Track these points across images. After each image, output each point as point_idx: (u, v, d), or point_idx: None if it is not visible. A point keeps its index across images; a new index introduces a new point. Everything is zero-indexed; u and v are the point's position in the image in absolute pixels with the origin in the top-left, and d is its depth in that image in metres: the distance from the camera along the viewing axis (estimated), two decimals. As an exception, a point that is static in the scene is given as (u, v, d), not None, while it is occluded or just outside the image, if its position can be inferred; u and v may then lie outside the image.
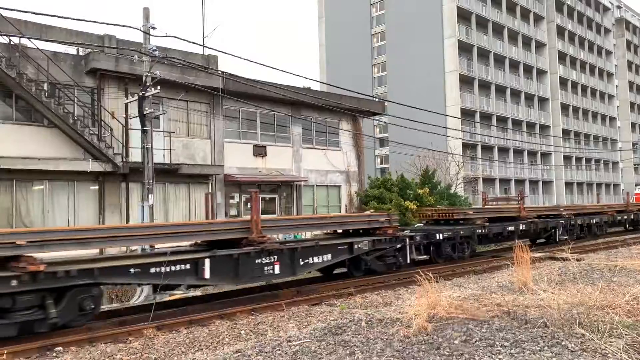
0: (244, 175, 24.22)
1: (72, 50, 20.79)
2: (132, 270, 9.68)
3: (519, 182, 56.90)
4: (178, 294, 14.37)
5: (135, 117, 18.12)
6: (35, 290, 8.53)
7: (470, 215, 18.80)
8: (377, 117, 38.67)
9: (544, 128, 62.06)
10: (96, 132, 19.37)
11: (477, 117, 52.38)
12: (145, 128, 17.27)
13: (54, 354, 8.07)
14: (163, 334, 8.98)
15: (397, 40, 56.71)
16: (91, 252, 11.24)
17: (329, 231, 14.44)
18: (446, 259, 16.91)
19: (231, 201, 24.27)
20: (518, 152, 57.21)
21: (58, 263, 9.11)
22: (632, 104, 79.36)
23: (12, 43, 18.01)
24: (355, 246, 13.53)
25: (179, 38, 13.04)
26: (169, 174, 21.13)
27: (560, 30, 66.44)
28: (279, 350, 6.70)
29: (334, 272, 14.79)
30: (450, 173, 38.92)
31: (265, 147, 25.57)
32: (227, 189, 23.86)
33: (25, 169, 17.92)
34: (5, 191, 18.23)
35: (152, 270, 9.84)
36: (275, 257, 11.76)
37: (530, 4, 62.37)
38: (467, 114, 51.61)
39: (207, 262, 10.52)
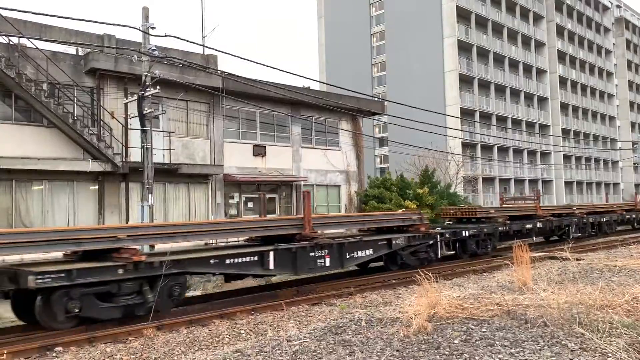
0: (243, 175, 24.22)
1: (71, 50, 20.77)
2: (212, 261, 11.03)
3: (519, 181, 56.92)
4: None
5: (135, 116, 18.10)
6: (136, 278, 9.78)
7: (492, 214, 20.07)
8: (376, 117, 38.66)
9: (543, 127, 62.07)
10: (96, 132, 19.35)
11: (477, 117, 52.38)
12: (144, 128, 17.26)
13: (54, 354, 8.07)
14: (163, 334, 8.98)
15: (397, 39, 56.71)
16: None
17: (364, 228, 15.52)
18: (471, 255, 17.86)
19: (231, 201, 24.26)
20: (518, 152, 57.21)
21: (153, 254, 10.63)
22: (631, 103, 79.37)
23: (11, 43, 17.99)
24: (393, 242, 14.70)
25: (178, 38, 13.03)
26: (168, 173, 21.12)
27: (560, 30, 66.43)
28: (279, 349, 6.70)
29: (369, 266, 15.88)
30: (450, 172, 38.92)
31: (265, 146, 25.56)
32: (227, 189, 23.86)
33: (25, 169, 17.91)
34: (4, 191, 18.22)
35: (227, 261, 11.25)
36: (326, 251, 13.00)
37: (529, 4, 62.37)
38: (466, 114, 51.60)
39: (271, 254, 11.84)
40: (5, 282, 9.03)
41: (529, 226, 20.89)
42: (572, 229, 23.49)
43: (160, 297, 9.99)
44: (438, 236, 16.18)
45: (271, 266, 11.82)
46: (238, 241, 13.43)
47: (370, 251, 14.17)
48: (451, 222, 20.42)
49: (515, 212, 21.71)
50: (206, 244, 14.32)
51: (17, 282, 8.87)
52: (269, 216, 18.00)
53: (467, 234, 17.72)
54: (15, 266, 9.38)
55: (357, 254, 13.78)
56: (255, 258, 11.64)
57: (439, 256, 16.36)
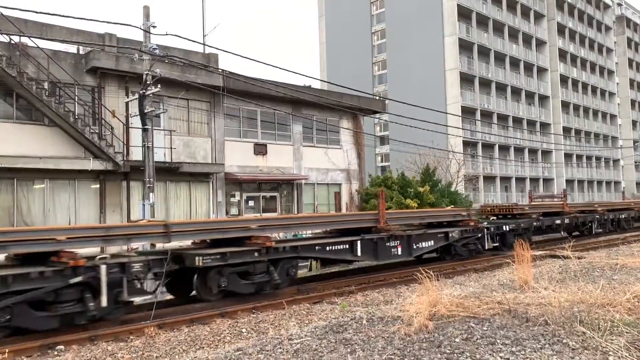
0: (244, 173, 24.23)
1: (72, 48, 20.77)
2: (316, 247, 13.07)
3: (520, 180, 56.90)
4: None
5: (136, 115, 18.13)
6: (265, 260, 11.71)
7: (527, 211, 21.73)
8: (377, 115, 38.64)
9: (544, 126, 62.02)
10: (97, 131, 19.36)
11: (478, 115, 52.34)
12: (145, 127, 17.29)
13: (56, 353, 8.08)
14: (164, 333, 8.99)
15: (398, 38, 56.66)
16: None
17: (423, 222, 16.89)
18: (509, 247, 18.55)
19: (232, 199, 24.27)
20: (519, 150, 57.18)
21: (278, 241, 12.70)
22: (632, 102, 79.29)
23: (12, 42, 18.00)
24: (450, 235, 16.54)
25: (179, 36, 13.04)
26: (169, 172, 21.14)
27: (561, 28, 66.35)
28: (280, 348, 6.70)
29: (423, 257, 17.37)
30: (451, 171, 38.88)
31: (266, 145, 25.56)
32: (228, 188, 23.87)
33: (26, 168, 17.92)
34: (6, 190, 18.25)
35: (327, 248, 13.25)
36: (398, 241, 14.84)
37: (530, 2, 62.30)
38: (467, 112, 51.57)
39: (359, 243, 13.82)
40: (171, 263, 10.57)
41: (558, 222, 22.54)
42: (594, 225, 25.09)
43: (281, 275, 11.96)
44: (485, 230, 17.98)
45: (359, 253, 13.79)
46: (313, 233, 15.37)
47: (432, 242, 16.03)
48: (489, 218, 21.75)
49: (546, 209, 23.54)
50: (294, 235, 16.07)
51: (184, 262, 10.72)
52: (329, 212, 20.09)
53: (507, 229, 19.51)
54: (180, 250, 11.35)
55: (421, 244, 15.67)
56: (347, 246, 13.61)
57: (485, 247, 18.07)
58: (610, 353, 5.75)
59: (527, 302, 8.26)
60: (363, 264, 16.74)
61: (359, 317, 8.24)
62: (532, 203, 27.04)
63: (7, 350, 7.78)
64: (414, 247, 15.33)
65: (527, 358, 5.75)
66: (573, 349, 5.95)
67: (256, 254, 11.54)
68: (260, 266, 11.63)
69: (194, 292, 11.57)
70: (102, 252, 10.59)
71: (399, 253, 14.87)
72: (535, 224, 20.89)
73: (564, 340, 6.23)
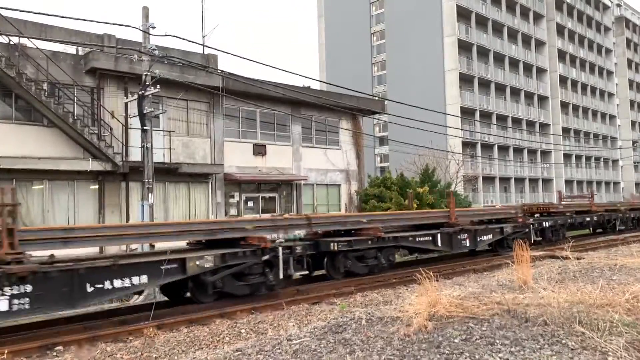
0: (243, 174, 24.22)
1: (71, 49, 20.78)
2: (409, 238, 15.60)
3: (519, 180, 56.92)
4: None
5: (135, 116, 18.12)
6: (374, 248, 14.30)
7: (561, 209, 24.34)
8: (376, 116, 38.64)
9: (543, 126, 62.06)
10: (96, 132, 19.36)
11: (477, 116, 52.38)
12: (145, 127, 17.27)
13: (55, 353, 8.07)
14: (163, 333, 8.98)
15: (397, 38, 56.69)
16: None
17: (483, 219, 19.10)
18: (548, 241, 21.60)
19: (231, 200, 24.27)
20: (518, 151, 57.21)
21: (386, 232, 15.00)
22: (632, 102, 79.37)
23: (11, 42, 18.00)
24: (505, 229, 18.92)
25: (178, 37, 13.04)
26: (168, 173, 21.13)
27: (560, 29, 66.40)
28: (279, 349, 6.70)
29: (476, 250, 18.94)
30: (450, 171, 38.91)
31: (265, 146, 25.56)
32: (227, 188, 23.86)
33: (25, 169, 17.91)
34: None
35: (417, 239, 15.79)
36: (466, 234, 17.17)
37: (529, 3, 62.35)
38: (466, 113, 51.60)
39: (439, 235, 16.29)
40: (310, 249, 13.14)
41: (587, 219, 25.11)
42: (618, 223, 27.24)
43: (385, 260, 14.57)
44: (531, 226, 20.38)
45: (439, 244, 16.32)
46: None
47: (490, 236, 18.38)
48: (533, 216, 23.80)
49: (577, 208, 25.86)
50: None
51: (319, 248, 13.50)
52: (441, 209, 21.33)
53: (546, 225, 22.08)
54: (317, 238, 13.86)
55: (484, 237, 18.07)
56: (430, 238, 16.12)
57: (532, 241, 20.06)
58: (610, 353, 5.75)
59: (526, 303, 8.25)
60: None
61: (358, 318, 8.23)
62: (563, 202, 29.43)
63: (6, 351, 7.78)
64: (478, 239, 17.73)
65: (526, 358, 5.75)
66: (572, 349, 5.95)
67: (370, 242, 14.19)
68: (371, 252, 14.35)
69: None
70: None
71: (467, 244, 17.34)
72: (569, 221, 23.33)
73: (563, 341, 6.23)
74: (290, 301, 11.19)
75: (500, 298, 8.64)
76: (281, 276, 11.96)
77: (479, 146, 51.92)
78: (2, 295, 8.22)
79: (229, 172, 23.63)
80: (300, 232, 13.58)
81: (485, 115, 53.91)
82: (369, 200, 27.37)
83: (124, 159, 19.70)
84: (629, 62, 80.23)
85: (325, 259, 13.78)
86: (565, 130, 64.29)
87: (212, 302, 11.16)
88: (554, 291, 8.86)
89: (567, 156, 64.27)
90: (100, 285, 9.17)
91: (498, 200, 52.06)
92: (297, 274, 13.42)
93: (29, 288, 8.43)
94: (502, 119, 55.62)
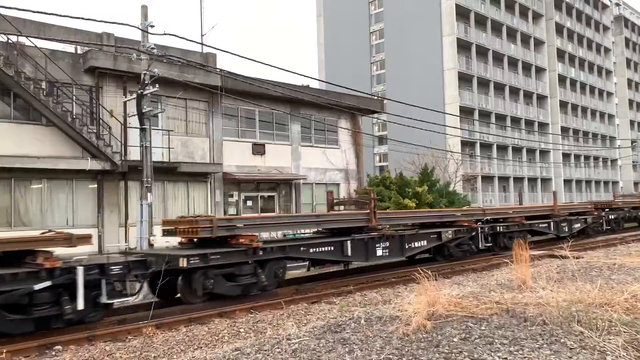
0: (242, 173, 24.21)
1: (70, 48, 20.75)
2: (538, 225, 20.03)
3: (518, 179, 56.95)
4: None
5: (134, 115, 18.08)
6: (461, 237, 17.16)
7: (620, 205, 28.18)
8: (375, 115, 38.62)
9: (542, 125, 62.08)
10: (95, 131, 19.34)
11: (476, 115, 52.39)
12: (143, 126, 17.22)
13: (53, 353, 8.06)
14: (162, 333, 8.97)
15: (396, 38, 56.68)
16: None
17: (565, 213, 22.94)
18: (612, 231, 25.43)
19: (230, 199, 24.26)
20: (517, 150, 57.23)
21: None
22: (630, 102, 79.42)
23: (10, 41, 17.97)
24: (587, 220, 23.67)
25: (177, 36, 13.01)
26: (167, 172, 21.12)
27: (559, 28, 66.41)
28: (278, 348, 6.70)
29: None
30: (449, 171, 38.92)
31: (264, 145, 25.55)
32: (226, 188, 23.85)
33: (24, 168, 17.90)
34: (3, 190, 18.22)
35: (540, 225, 20.57)
36: (566, 223, 22.00)
37: (528, 2, 62.35)
38: (465, 112, 51.61)
39: (552, 224, 20.99)
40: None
41: None
42: None
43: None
44: (603, 218, 24.84)
45: (552, 230, 21.22)
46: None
47: (579, 225, 23.10)
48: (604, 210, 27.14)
49: (630, 205, 29.25)
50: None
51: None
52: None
53: (612, 217, 26.06)
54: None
55: (575, 225, 22.70)
56: (546, 225, 20.84)
57: (603, 229, 24.69)
58: (608, 352, 5.76)
59: (525, 302, 8.26)
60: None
61: (357, 317, 8.23)
62: (616, 200, 33.11)
63: (4, 351, 7.77)
64: (573, 226, 22.48)
65: (525, 358, 5.76)
66: (571, 349, 5.96)
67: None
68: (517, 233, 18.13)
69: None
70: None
71: (566, 230, 21.84)
72: (627, 214, 27.53)
73: (562, 340, 6.24)
74: (289, 300, 11.19)
75: (499, 297, 8.66)
76: (481, 246, 17.31)
77: (477, 145, 51.94)
78: (379, 246, 14.35)
79: (228, 171, 23.62)
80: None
81: (484, 115, 53.93)
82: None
83: (123, 158, 19.69)
84: (628, 61, 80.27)
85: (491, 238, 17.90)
86: (564, 130, 64.33)
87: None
88: (552, 290, 8.87)
89: (565, 155, 64.30)
90: (411, 245, 15.33)
91: (497, 200, 52.09)
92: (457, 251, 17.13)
93: (387, 244, 14.52)
94: (501, 118, 55.64)
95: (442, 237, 16.22)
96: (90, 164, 18.88)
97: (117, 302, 9.92)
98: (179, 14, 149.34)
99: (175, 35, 12.95)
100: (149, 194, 17.19)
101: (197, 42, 14.83)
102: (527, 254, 11.01)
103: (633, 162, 77.17)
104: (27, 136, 18.46)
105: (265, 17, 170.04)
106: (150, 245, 16.49)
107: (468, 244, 17.21)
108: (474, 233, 17.26)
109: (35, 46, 18.39)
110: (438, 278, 11.03)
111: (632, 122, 78.81)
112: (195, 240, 11.74)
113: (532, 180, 59.52)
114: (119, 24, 11.77)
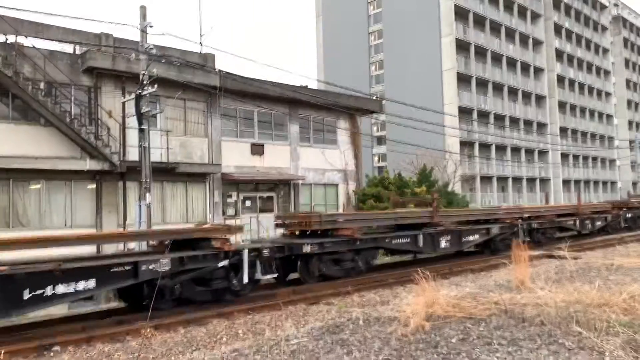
0: (241, 174, 24.20)
1: (68, 48, 20.72)
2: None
3: (517, 180, 56.99)
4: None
5: (133, 115, 18.06)
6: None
7: (637, 205, 29.42)
8: (374, 116, 38.65)
9: (541, 126, 62.13)
10: (93, 131, 19.32)
11: (475, 115, 52.42)
12: (142, 127, 17.22)
13: (52, 354, 8.05)
14: (161, 334, 8.96)
15: (395, 38, 56.71)
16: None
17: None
18: (629, 228, 26.88)
19: (229, 200, 24.24)
20: (515, 150, 57.26)
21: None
22: (629, 102, 79.53)
23: (8, 41, 17.95)
24: (607, 218, 25.59)
25: (176, 36, 13.05)
26: (166, 172, 21.10)
27: (558, 28, 66.47)
28: (277, 349, 6.69)
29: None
30: (448, 171, 38.94)
31: (263, 145, 25.54)
32: (225, 188, 23.83)
33: (22, 168, 17.88)
34: (2, 190, 18.19)
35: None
36: (589, 221, 24.21)
37: (527, 2, 62.39)
38: (464, 112, 51.64)
39: (577, 221, 23.31)
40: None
41: None
42: None
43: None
44: (622, 215, 26.75)
45: (577, 226, 23.46)
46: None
47: (600, 222, 25.21)
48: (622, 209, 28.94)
49: None
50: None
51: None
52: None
53: (629, 215, 27.54)
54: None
55: (597, 223, 24.89)
56: (572, 222, 22.62)
57: (622, 227, 26.22)
58: (606, 353, 5.76)
59: (523, 303, 8.26)
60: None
61: (355, 318, 8.23)
62: (631, 200, 34.41)
63: (3, 351, 7.76)
64: (595, 224, 24.65)
65: (523, 358, 5.76)
66: (569, 349, 5.96)
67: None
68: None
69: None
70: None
71: (589, 227, 24.07)
72: None
73: (560, 341, 6.24)
74: (288, 301, 11.18)
75: (498, 298, 8.65)
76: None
77: (476, 146, 51.96)
78: (443, 239, 16.38)
79: (227, 171, 23.61)
80: None
81: (483, 115, 53.96)
82: (367, 200, 27.38)
83: (122, 159, 19.67)
84: (626, 61, 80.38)
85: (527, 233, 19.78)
86: (563, 130, 64.39)
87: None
88: (551, 291, 8.88)
89: (564, 156, 64.35)
90: (467, 239, 17.64)
91: (495, 200, 52.12)
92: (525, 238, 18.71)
93: (448, 237, 16.71)
94: (499, 118, 55.68)
95: (491, 232, 18.42)
96: (89, 165, 18.86)
97: (265, 278, 12.32)
98: (178, 15, 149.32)
99: (174, 36, 12.96)
100: (147, 194, 17.18)
101: (196, 43, 14.84)
102: (525, 255, 11.01)
103: (631, 162, 77.24)
104: (26, 136, 18.43)
105: (264, 18, 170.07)
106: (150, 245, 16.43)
107: (510, 238, 18.70)
108: (515, 229, 19.36)
109: (34, 46, 18.37)
110: (436, 279, 11.02)
111: (630, 122, 78.92)
112: (296, 232, 13.89)
113: (531, 181, 59.56)
114: (117, 24, 11.79)
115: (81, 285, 8.86)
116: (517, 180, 57.03)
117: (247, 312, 10.40)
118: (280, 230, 14.59)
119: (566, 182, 64.35)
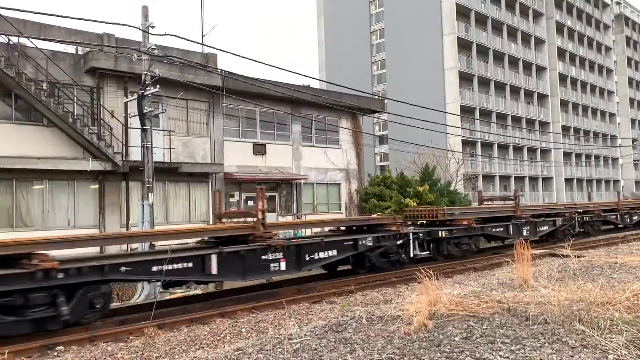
0: (243, 173, 24.22)
1: (71, 49, 20.77)
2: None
3: (519, 179, 56.90)
4: (178, 293, 14.40)
5: (135, 116, 18.09)
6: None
7: None
8: (376, 115, 38.62)
9: (543, 125, 62.01)
10: (96, 131, 19.35)
11: (477, 114, 52.34)
12: (144, 127, 17.23)
13: (55, 353, 8.07)
14: (164, 333, 8.98)
15: (396, 37, 56.64)
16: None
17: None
18: None
19: (231, 199, 24.26)
20: (518, 149, 57.17)
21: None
22: (631, 100, 79.30)
23: (11, 42, 17.99)
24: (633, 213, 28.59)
25: (178, 36, 13.03)
26: (169, 172, 21.13)
27: (560, 27, 66.34)
28: (280, 348, 6.70)
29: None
30: (450, 170, 38.90)
31: (265, 145, 25.55)
32: (227, 188, 23.85)
33: (25, 169, 17.91)
34: (5, 191, 18.24)
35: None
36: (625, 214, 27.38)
37: (529, 1, 62.27)
38: (466, 111, 51.56)
39: (618, 216, 26.48)
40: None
41: None
42: None
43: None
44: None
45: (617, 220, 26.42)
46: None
47: (636, 217, 27.95)
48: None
49: None
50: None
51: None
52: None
53: None
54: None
55: (634, 217, 27.87)
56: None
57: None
58: (610, 351, 5.76)
59: (526, 301, 8.26)
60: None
61: (358, 317, 8.24)
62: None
63: (7, 351, 7.78)
64: (634, 218, 27.41)
65: (526, 357, 5.76)
66: (572, 348, 5.96)
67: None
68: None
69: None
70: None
71: (617, 221, 26.21)
72: None
73: (564, 339, 6.24)
74: (291, 300, 11.20)
75: (501, 296, 8.65)
76: (576, 232, 21.90)
77: (478, 145, 51.89)
78: (524, 229, 19.68)
79: (229, 171, 23.63)
80: None
81: (485, 114, 53.88)
82: (369, 199, 27.37)
83: (124, 159, 19.70)
84: (629, 60, 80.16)
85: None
86: (565, 129, 64.26)
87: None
88: (554, 289, 8.87)
89: (566, 154, 64.22)
90: (540, 229, 21.04)
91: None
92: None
93: (527, 227, 19.97)
94: (501, 117, 55.59)
95: (556, 224, 21.92)
96: (92, 165, 18.89)
97: (422, 254, 15.98)
98: (180, 15, 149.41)
99: (175, 36, 12.97)
100: (150, 194, 17.20)
101: (198, 43, 14.84)
102: (528, 253, 11.00)
103: (634, 160, 77.06)
104: (29, 137, 18.47)
105: (266, 17, 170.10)
106: (152, 245, 16.46)
107: (568, 229, 22.47)
108: (573, 222, 22.85)
109: (36, 47, 18.41)
110: (439, 277, 11.03)
111: (633, 121, 78.71)
112: (418, 223, 17.39)
113: (533, 180, 59.46)
114: (119, 24, 11.79)
115: (331, 252, 13.31)
116: (519, 179, 56.94)
117: (251, 311, 10.42)
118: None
119: (569, 181, 64.22)
